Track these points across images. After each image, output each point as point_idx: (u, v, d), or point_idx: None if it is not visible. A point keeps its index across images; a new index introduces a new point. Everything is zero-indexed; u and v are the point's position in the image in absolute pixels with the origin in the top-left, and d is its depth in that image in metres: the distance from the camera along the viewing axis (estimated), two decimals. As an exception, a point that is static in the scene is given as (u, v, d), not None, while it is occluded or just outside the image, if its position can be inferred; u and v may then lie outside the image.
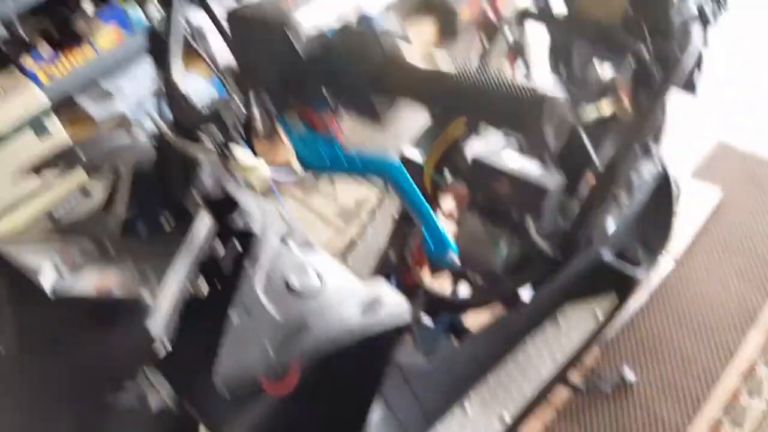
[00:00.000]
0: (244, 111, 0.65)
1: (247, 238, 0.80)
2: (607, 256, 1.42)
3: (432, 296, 1.44)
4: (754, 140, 2.39)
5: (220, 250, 0.80)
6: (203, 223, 0.78)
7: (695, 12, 1.31)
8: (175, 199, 0.81)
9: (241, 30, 0.56)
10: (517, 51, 1.49)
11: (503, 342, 1.38)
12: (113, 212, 0.86)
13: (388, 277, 1.52)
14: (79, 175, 0.98)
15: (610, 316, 1.49)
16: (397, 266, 1.49)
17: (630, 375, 1.77)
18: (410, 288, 1.44)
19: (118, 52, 2.44)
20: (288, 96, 0.56)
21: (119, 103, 2.48)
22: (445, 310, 1.46)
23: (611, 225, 1.49)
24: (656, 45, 1.30)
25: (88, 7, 2.33)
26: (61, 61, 2.28)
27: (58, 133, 2.28)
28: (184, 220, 0.80)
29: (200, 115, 0.72)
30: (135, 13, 2.41)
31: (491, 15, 1.45)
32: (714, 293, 1.94)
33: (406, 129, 1.37)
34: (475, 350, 1.38)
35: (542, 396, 1.36)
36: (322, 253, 0.83)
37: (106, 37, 2.36)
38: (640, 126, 1.29)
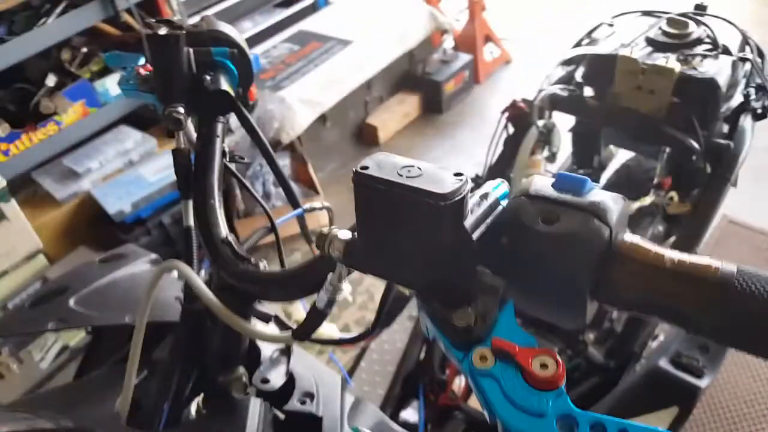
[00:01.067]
0: (339, 282, 0.47)
1: (310, 424, 0.62)
2: (665, 364, 1.28)
3: (472, 418, 1.26)
4: (761, 216, 2.32)
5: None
6: (256, 414, 0.59)
7: (745, 105, 1.22)
8: (210, 376, 0.63)
9: (374, 198, 0.39)
10: (545, 138, 1.38)
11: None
12: (107, 382, 0.67)
13: (414, 392, 1.34)
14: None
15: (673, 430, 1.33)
16: (425, 380, 1.31)
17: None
18: (445, 409, 1.25)
19: (82, 127, 2.24)
20: (461, 304, 0.37)
21: (85, 182, 2.27)
22: (485, 433, 1.27)
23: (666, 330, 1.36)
24: (705, 139, 1.20)
25: (52, 84, 2.14)
26: (20, 139, 2.06)
27: (16, 218, 2.04)
28: (220, 404, 0.62)
29: (264, 282, 0.54)
30: (103, 87, 2.23)
31: (521, 104, 1.33)
32: (744, 382, 1.82)
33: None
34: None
35: None
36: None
37: (71, 115, 2.16)
38: (702, 225, 1.17)
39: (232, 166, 0.71)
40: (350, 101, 2.82)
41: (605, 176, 1.54)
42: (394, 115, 2.99)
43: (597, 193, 0.37)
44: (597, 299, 0.37)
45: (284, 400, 0.64)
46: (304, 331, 0.50)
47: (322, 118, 2.70)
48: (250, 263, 0.56)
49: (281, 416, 0.63)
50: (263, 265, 0.56)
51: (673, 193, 1.25)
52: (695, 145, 1.17)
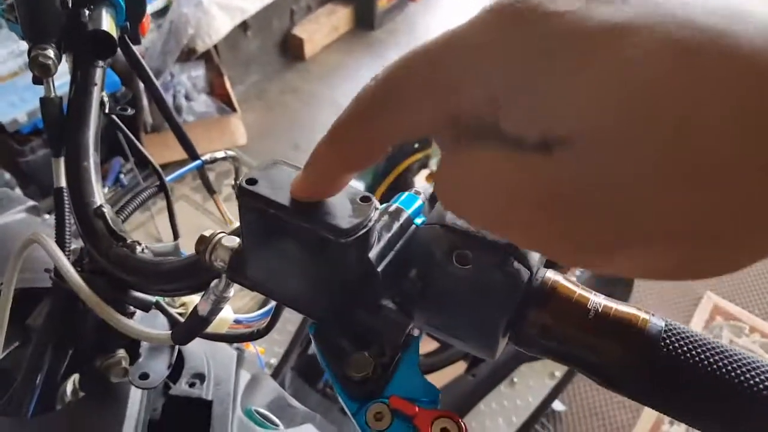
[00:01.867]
0: (224, 293, 0.41)
1: (199, 409, 0.57)
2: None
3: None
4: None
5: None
6: (137, 402, 0.54)
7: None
8: (86, 357, 0.56)
9: (262, 221, 0.32)
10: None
11: (455, 406, 1.25)
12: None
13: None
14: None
15: (570, 374, 1.40)
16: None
17: (559, 405, 1.75)
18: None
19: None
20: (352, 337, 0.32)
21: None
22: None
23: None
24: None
25: None
26: None
27: None
28: (98, 387, 0.56)
29: (136, 272, 0.46)
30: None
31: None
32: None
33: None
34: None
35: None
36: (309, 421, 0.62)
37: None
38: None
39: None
40: (275, 8, 2.61)
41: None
42: (322, 27, 2.81)
43: None
44: (511, 342, 0.33)
45: (172, 381, 0.59)
46: (185, 336, 0.44)
47: (243, 26, 2.50)
48: (125, 243, 0.48)
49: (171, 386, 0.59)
50: (141, 247, 0.48)
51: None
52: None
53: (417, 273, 0.32)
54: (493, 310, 0.31)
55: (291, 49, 2.75)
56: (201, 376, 0.59)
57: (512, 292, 0.30)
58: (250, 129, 2.35)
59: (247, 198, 0.31)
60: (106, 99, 0.59)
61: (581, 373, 0.33)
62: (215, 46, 2.35)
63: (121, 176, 2.17)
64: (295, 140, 2.39)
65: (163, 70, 2.24)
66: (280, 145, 2.34)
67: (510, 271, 0.30)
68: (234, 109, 2.28)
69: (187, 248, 0.57)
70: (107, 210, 0.52)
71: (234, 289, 0.41)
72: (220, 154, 0.75)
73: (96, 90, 0.58)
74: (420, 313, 0.34)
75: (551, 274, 0.33)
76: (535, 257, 0.31)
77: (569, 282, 0.33)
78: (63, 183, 0.57)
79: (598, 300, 0.31)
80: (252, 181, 0.32)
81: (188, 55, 2.32)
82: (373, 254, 0.32)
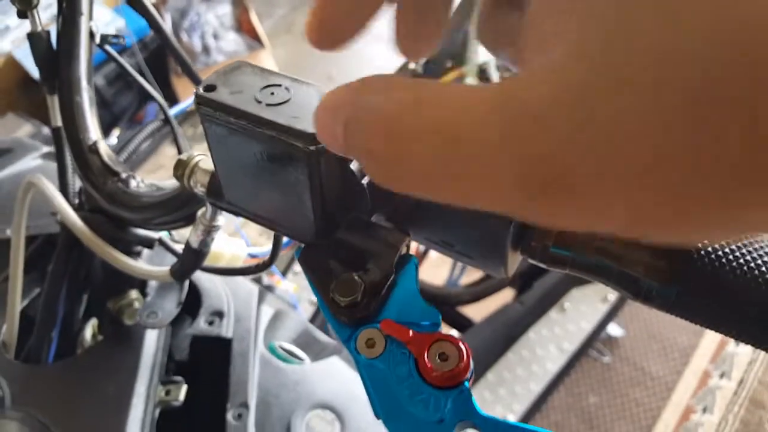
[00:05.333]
0: (212, 221, 0.38)
1: (219, 347, 0.56)
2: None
3: (425, 292, 1.24)
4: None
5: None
6: (153, 344, 0.53)
7: None
8: (100, 300, 0.55)
9: (224, 132, 0.28)
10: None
11: (503, 334, 1.22)
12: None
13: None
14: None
15: (624, 298, 1.34)
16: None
17: (616, 330, 1.70)
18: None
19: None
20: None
21: (4, 42, 2.03)
22: (438, 304, 1.27)
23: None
24: None
25: None
26: None
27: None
28: (115, 330, 0.55)
29: (129, 206, 0.43)
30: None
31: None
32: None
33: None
34: (472, 345, 1.21)
35: (550, 392, 1.22)
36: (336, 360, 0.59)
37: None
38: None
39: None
40: (298, -65, 2.51)
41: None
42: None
43: None
44: (525, 255, 0.29)
45: (191, 319, 0.57)
46: (183, 271, 0.41)
47: (267, -43, 2.41)
48: (120, 178, 0.45)
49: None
50: (136, 182, 0.45)
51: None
52: None
53: None
54: (497, 218, 0.26)
55: (318, -22, 2.64)
56: (220, 314, 0.57)
57: None
58: (281, 64, 2.29)
59: (205, 107, 0.27)
60: (95, 29, 0.55)
61: (604, 284, 0.28)
62: (240, -19, 2.27)
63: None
64: (328, 72, 2.32)
65: (188, 10, 2.19)
66: (312, 79, 2.26)
67: None
68: (262, 45, 2.22)
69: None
70: (102, 145, 0.49)
71: (224, 217, 0.38)
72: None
73: (83, 20, 0.54)
74: (416, 229, 0.30)
75: None
76: None
77: None
78: (59, 122, 0.54)
79: None
80: (210, 88, 0.27)
81: (213, -8, 2.25)
82: (355, 165, 0.28)
